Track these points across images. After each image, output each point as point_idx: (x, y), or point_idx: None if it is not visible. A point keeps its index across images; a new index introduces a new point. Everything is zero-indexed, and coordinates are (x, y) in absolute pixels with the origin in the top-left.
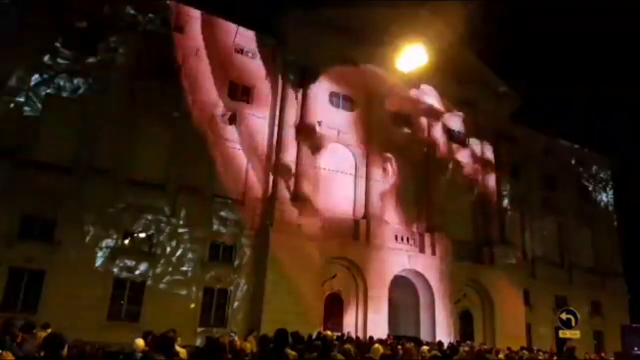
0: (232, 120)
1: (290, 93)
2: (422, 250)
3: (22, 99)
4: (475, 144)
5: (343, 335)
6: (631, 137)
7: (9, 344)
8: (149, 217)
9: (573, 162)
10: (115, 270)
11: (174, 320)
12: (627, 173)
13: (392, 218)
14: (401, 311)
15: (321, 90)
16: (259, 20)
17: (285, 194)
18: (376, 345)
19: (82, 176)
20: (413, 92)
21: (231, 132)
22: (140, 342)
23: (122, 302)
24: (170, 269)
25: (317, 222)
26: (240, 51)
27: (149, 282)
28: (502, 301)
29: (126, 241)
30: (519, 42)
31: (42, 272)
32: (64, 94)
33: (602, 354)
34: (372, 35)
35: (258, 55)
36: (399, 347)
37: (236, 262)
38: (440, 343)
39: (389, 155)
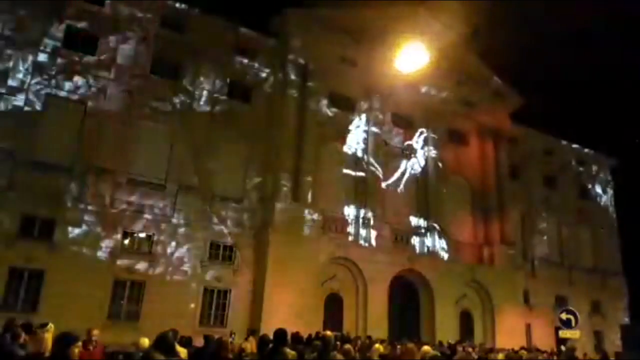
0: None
1: (290, 93)
2: (421, 250)
3: (22, 99)
4: (475, 143)
5: (343, 335)
6: (631, 137)
7: (10, 344)
8: (149, 217)
9: (573, 162)
10: (115, 270)
11: (174, 320)
12: (627, 173)
13: (392, 218)
14: (401, 311)
15: (321, 90)
16: (259, 20)
17: (285, 193)
18: (376, 345)
19: (82, 176)
20: (413, 92)
21: (231, 132)
22: (145, 341)
23: (122, 302)
24: (170, 269)
25: (317, 222)
26: (240, 51)
27: (148, 282)
28: (502, 301)
29: (126, 241)
30: (519, 42)
31: (42, 272)
32: (64, 94)
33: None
34: (373, 35)
35: (258, 55)
36: (399, 347)
37: (236, 262)
38: (440, 343)
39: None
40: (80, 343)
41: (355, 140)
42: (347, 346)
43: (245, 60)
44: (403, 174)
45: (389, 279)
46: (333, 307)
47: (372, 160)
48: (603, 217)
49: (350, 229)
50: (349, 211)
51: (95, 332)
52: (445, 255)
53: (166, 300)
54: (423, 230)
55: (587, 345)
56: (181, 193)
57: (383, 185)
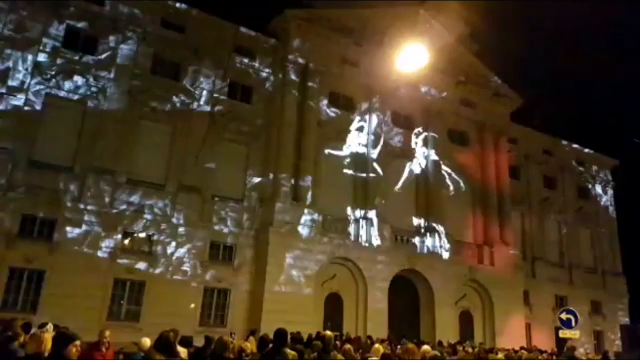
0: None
1: (290, 93)
2: (422, 251)
3: (22, 99)
4: (475, 144)
5: (343, 335)
6: (631, 137)
7: (10, 344)
8: (149, 217)
9: (573, 162)
10: (115, 270)
11: (174, 320)
12: (627, 173)
13: (392, 218)
14: (401, 311)
15: (322, 90)
16: (259, 20)
17: (285, 193)
18: (376, 345)
19: (82, 176)
20: (413, 92)
21: (231, 132)
22: (146, 341)
23: (122, 302)
24: (170, 269)
25: (317, 222)
26: (241, 51)
27: (148, 282)
28: (502, 301)
29: (126, 241)
30: (519, 42)
31: (42, 272)
32: (64, 94)
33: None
34: (373, 35)
35: (258, 55)
36: (400, 347)
37: (236, 262)
38: (440, 343)
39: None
40: (78, 342)
41: (355, 140)
42: (347, 346)
43: (245, 60)
44: (403, 174)
45: (389, 279)
46: (333, 307)
47: (372, 160)
48: (603, 217)
49: (351, 229)
50: (349, 211)
51: (107, 332)
52: (445, 255)
53: (166, 300)
54: (423, 230)
55: (587, 346)
56: (181, 193)
57: (383, 185)
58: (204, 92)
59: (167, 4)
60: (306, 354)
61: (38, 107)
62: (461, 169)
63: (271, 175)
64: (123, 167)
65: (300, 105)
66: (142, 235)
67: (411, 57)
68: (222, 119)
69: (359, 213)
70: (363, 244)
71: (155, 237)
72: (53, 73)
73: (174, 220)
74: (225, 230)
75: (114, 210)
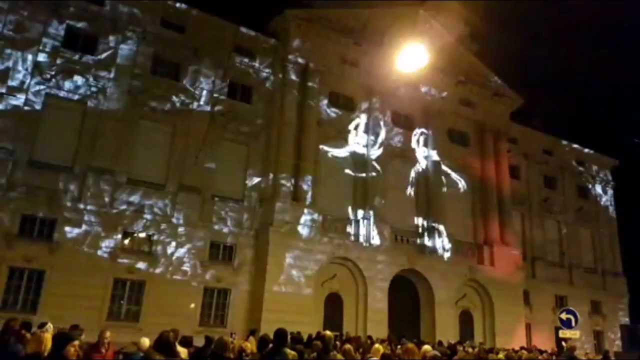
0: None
1: (290, 93)
2: (422, 251)
3: (22, 99)
4: (475, 144)
5: (343, 335)
6: (631, 137)
7: (13, 343)
8: (149, 217)
9: (573, 162)
10: (115, 270)
11: (174, 320)
12: (627, 173)
13: (392, 218)
14: (401, 311)
15: (322, 90)
16: (259, 20)
17: (285, 193)
18: (376, 345)
19: (82, 176)
20: (413, 92)
21: (231, 132)
22: (145, 341)
23: (122, 302)
24: (170, 269)
25: (317, 222)
26: (240, 51)
27: (149, 282)
28: (502, 301)
29: (126, 241)
30: (519, 42)
31: (42, 272)
32: (64, 94)
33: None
34: (373, 35)
35: (258, 55)
36: (400, 347)
37: (236, 262)
38: (440, 343)
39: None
40: (76, 343)
41: (355, 140)
42: (347, 346)
43: (245, 60)
44: (403, 173)
45: (389, 279)
46: (333, 307)
47: (372, 160)
48: (603, 217)
49: (350, 229)
50: (349, 211)
51: (108, 333)
52: (445, 255)
53: (166, 300)
54: (423, 230)
55: (587, 346)
56: (181, 193)
57: (383, 185)
58: (204, 92)
59: (167, 4)
60: (306, 354)
61: (38, 107)
62: (461, 169)
63: (271, 175)
64: (123, 167)
65: (300, 105)
66: (142, 235)
67: (411, 57)
68: (222, 118)
69: (359, 213)
70: (363, 244)
71: (155, 237)
72: (53, 73)
73: (174, 220)
74: (225, 230)
75: (114, 210)
